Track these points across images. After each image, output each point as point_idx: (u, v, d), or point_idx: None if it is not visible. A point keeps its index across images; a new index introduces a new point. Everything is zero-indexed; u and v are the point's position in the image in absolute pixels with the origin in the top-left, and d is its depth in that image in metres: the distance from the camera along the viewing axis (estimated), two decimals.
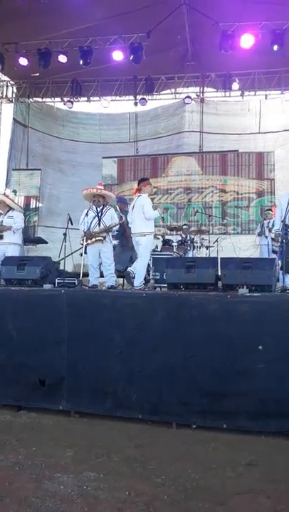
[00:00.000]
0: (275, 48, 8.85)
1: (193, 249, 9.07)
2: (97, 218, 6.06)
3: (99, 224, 6.02)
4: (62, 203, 12.48)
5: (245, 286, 4.35)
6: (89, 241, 5.98)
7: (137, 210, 6.16)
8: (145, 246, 6.17)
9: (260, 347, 4.04)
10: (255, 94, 11.91)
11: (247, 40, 9.03)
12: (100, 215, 6.08)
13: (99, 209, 6.15)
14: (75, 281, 5.81)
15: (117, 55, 10.04)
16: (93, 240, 5.92)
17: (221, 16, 9.03)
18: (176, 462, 3.42)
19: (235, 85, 11.67)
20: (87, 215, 6.12)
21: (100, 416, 4.41)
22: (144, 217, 6.07)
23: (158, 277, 7.16)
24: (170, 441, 3.92)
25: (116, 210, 7.05)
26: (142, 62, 10.46)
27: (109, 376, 4.43)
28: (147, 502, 2.83)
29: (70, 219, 5.80)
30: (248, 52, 9.93)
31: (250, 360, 4.07)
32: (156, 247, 9.13)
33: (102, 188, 6.37)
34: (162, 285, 6.29)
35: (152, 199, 12.11)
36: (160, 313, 4.39)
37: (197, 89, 12.34)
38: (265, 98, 11.87)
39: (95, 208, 6.17)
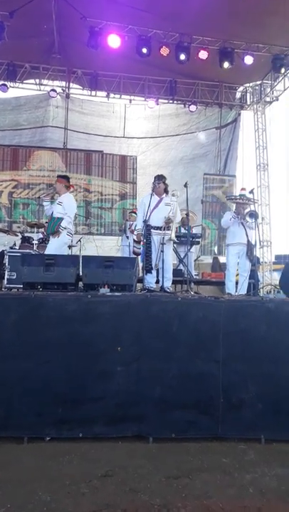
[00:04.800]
0: (144, 50, 9.01)
1: None
2: None
3: None
4: None
5: (106, 286, 4.17)
6: None
7: None
8: None
9: (118, 348, 3.90)
10: (120, 98, 12.03)
11: (113, 40, 9.02)
12: None
13: None
14: None
15: None
16: None
17: (89, 11, 8.87)
18: (25, 484, 3.02)
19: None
20: None
21: None
22: None
23: (14, 277, 6.60)
24: (20, 459, 3.49)
25: None
26: (4, 46, 9.70)
27: None
28: None
29: None
30: (115, 55, 9.98)
31: (108, 363, 3.91)
32: (15, 244, 8.48)
33: None
34: (19, 286, 5.78)
35: (11, 193, 11.37)
36: (12, 316, 3.93)
37: (63, 83, 11.95)
38: (130, 102, 12.09)
39: None
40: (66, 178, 6.21)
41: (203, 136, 12.90)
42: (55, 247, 5.71)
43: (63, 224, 5.68)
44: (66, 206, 5.76)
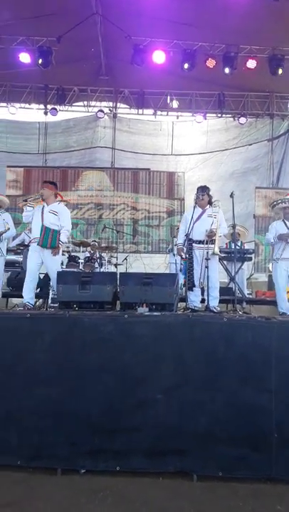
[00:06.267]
0: (186, 66, 8.87)
1: (102, 267, 8.54)
2: None
3: None
4: None
5: (145, 305, 3.88)
6: None
7: None
8: None
9: (158, 374, 3.56)
10: (167, 115, 11.95)
11: (159, 56, 8.96)
12: None
13: None
14: None
15: (24, 57, 9.40)
16: None
17: (133, 29, 8.92)
18: None
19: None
20: None
21: None
22: None
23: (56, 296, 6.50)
24: (51, 494, 3.23)
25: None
26: (53, 71, 10.02)
27: None
28: None
29: None
30: (161, 72, 9.94)
31: (147, 390, 3.58)
32: (62, 263, 8.47)
33: None
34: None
35: None
36: (46, 337, 3.73)
37: (110, 104, 12.08)
38: (177, 118, 11.96)
39: None
40: (55, 185, 5.57)
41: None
42: (58, 265, 5.26)
43: (62, 239, 5.16)
44: (65, 219, 5.23)
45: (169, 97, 11.54)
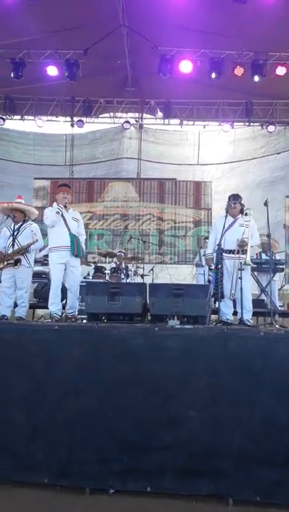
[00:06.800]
0: (214, 75, 8.78)
1: (128, 278, 8.46)
2: (12, 238, 5.25)
3: (13, 245, 5.19)
4: None
5: (176, 317, 3.73)
6: (1, 265, 5.12)
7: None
8: None
9: (190, 389, 3.40)
10: (193, 124, 11.86)
11: (186, 66, 8.91)
12: (15, 233, 5.27)
13: (16, 226, 5.35)
14: None
15: (52, 70, 9.52)
16: (5, 263, 5.07)
17: (159, 40, 8.90)
18: None
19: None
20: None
21: None
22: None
23: (84, 308, 6.42)
24: None
25: None
26: (80, 84, 10.10)
27: (8, 430, 3.54)
28: None
29: None
30: (187, 81, 9.88)
31: (179, 406, 3.41)
32: (88, 274, 8.43)
33: (22, 201, 5.56)
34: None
35: (87, 224, 11.54)
36: (75, 350, 3.63)
37: (136, 114, 12.09)
38: (204, 128, 11.85)
39: (13, 225, 5.39)
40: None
41: None
42: (81, 275, 5.19)
43: (83, 247, 5.13)
44: (82, 226, 5.20)
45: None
